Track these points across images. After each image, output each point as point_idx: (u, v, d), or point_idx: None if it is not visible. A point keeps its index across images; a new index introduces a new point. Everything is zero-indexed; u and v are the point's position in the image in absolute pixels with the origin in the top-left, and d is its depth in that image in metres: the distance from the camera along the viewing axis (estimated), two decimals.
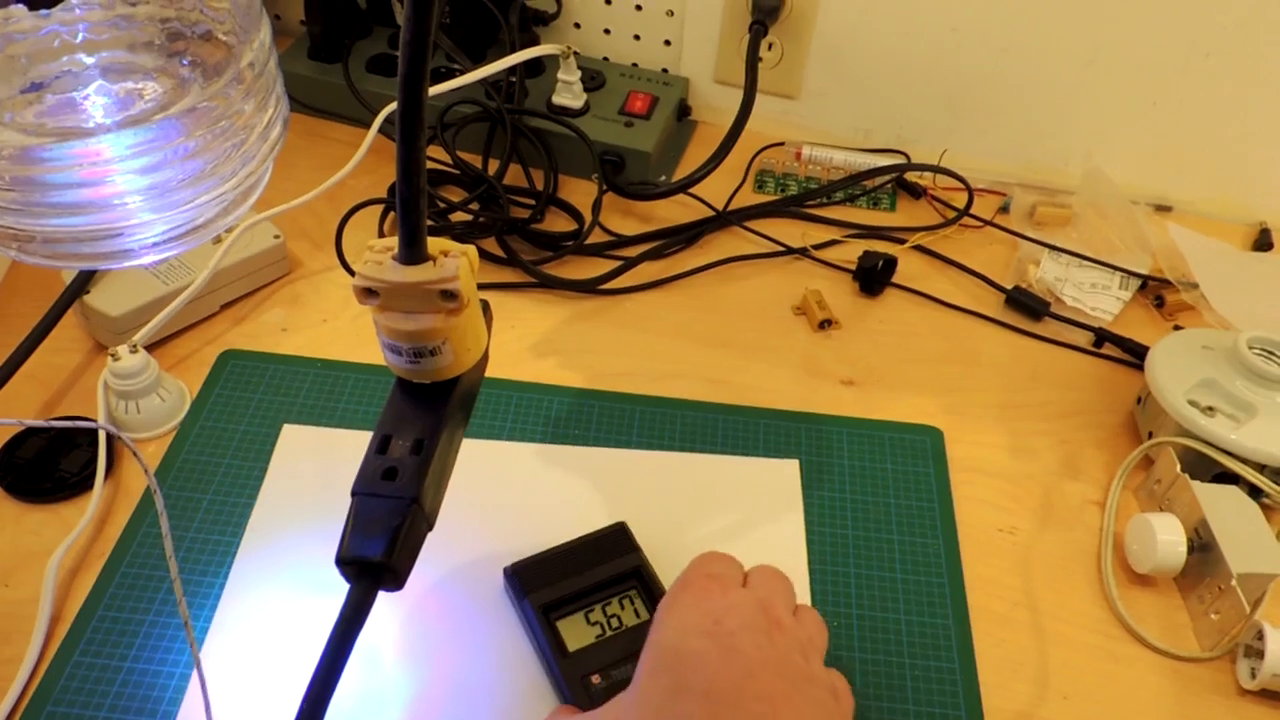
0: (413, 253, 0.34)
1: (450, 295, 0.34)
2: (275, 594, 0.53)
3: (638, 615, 0.51)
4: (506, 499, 0.58)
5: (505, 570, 0.52)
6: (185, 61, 0.38)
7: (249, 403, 0.62)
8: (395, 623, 0.52)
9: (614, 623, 0.50)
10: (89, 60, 0.37)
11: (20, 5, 0.29)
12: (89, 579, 0.53)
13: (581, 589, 0.51)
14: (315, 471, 0.59)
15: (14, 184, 0.32)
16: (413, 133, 0.31)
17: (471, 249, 0.36)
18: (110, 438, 0.58)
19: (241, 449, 0.60)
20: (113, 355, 0.58)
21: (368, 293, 0.35)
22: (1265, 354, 0.61)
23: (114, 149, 0.34)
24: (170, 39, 0.39)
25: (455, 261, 0.35)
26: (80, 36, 0.35)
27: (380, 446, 0.36)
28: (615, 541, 0.53)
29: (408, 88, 0.31)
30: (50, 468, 0.58)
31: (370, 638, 0.48)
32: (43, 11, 0.35)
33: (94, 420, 0.59)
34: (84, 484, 0.57)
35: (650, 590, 0.52)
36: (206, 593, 0.53)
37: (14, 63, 0.35)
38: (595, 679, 0.48)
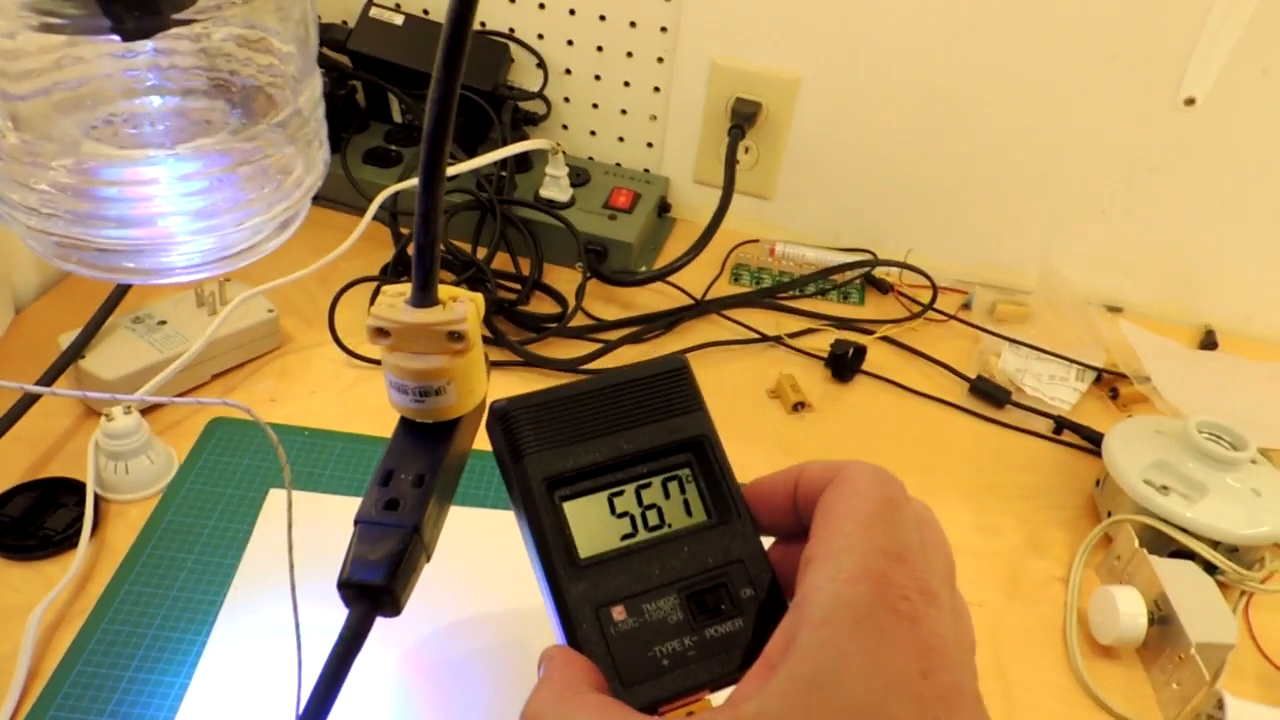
0: (425, 296, 0.36)
1: (458, 336, 0.37)
2: (258, 652, 0.53)
3: (688, 514, 0.34)
4: (490, 564, 0.59)
5: (492, 410, 0.35)
6: (239, 104, 0.41)
7: (236, 467, 0.63)
8: (376, 689, 0.52)
9: (651, 519, 0.33)
10: (154, 99, 0.40)
11: (110, 38, 0.33)
12: (68, 636, 0.53)
13: (609, 458, 0.34)
14: (300, 534, 0.59)
15: (80, 196, 0.34)
16: (432, 184, 0.34)
17: (479, 296, 0.38)
18: (97, 497, 0.59)
19: (227, 512, 0.61)
20: (106, 415, 0.59)
21: (380, 332, 0.37)
22: (1214, 437, 0.64)
23: (168, 172, 0.37)
24: (227, 85, 0.42)
25: (464, 306, 0.37)
26: (150, 76, 0.39)
27: (383, 480, 0.38)
28: (668, 391, 0.35)
29: (432, 142, 0.33)
30: (35, 526, 0.58)
31: (350, 705, 0.48)
32: (121, 53, 0.38)
33: (82, 481, 0.60)
34: (68, 542, 0.57)
35: (713, 478, 0.34)
36: (188, 650, 0.53)
37: (84, 98, 0.38)
38: (618, 613, 0.31)
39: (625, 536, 0.33)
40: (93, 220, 0.35)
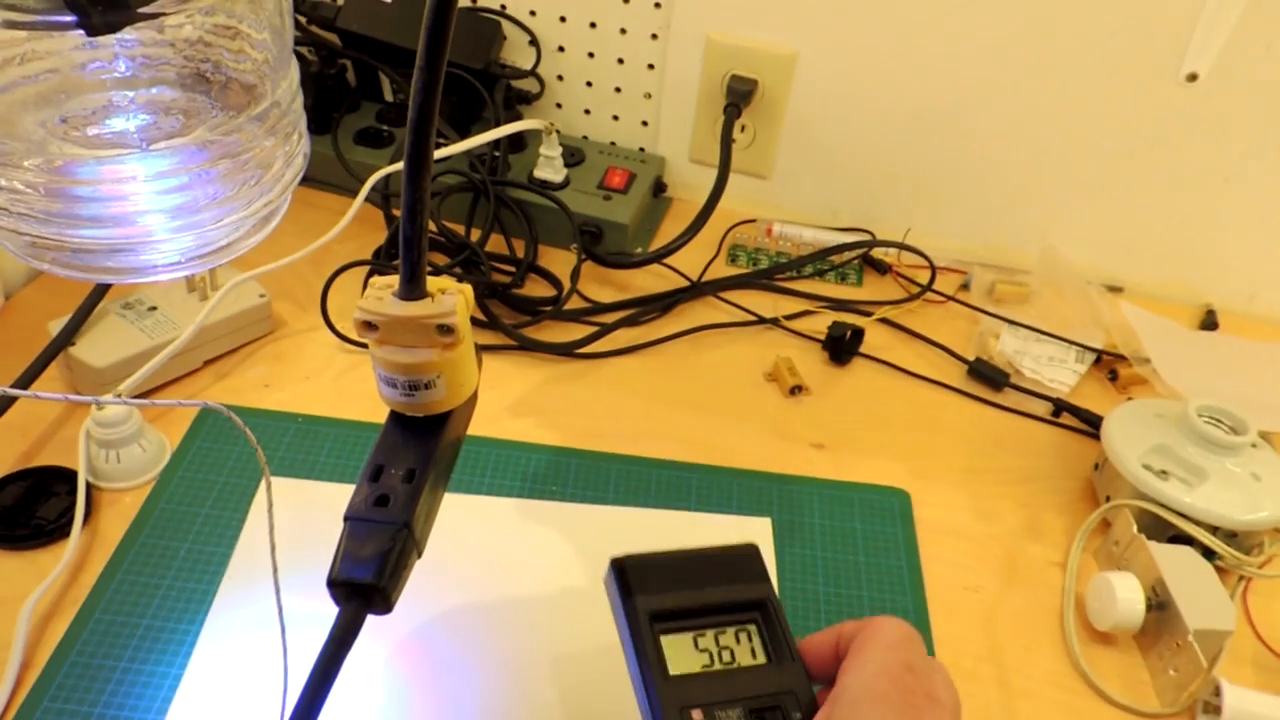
0: (412, 289, 0.36)
1: (447, 330, 0.36)
2: (252, 641, 0.53)
3: (753, 656, 0.43)
4: (484, 551, 0.59)
5: (612, 562, 0.44)
6: (215, 97, 0.40)
7: (229, 455, 0.63)
8: (369, 675, 0.52)
9: (725, 656, 0.43)
10: (127, 93, 0.39)
11: (76, 32, 0.31)
12: (62, 626, 0.53)
13: (696, 606, 0.44)
14: (294, 523, 0.59)
15: (52, 195, 0.33)
16: (418, 175, 0.33)
17: (468, 288, 0.38)
18: (89, 485, 0.58)
19: (220, 500, 0.60)
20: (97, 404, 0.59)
21: (368, 326, 0.37)
22: (1214, 421, 0.64)
23: (144, 170, 0.36)
24: (202, 77, 0.41)
25: (453, 299, 0.36)
26: (121, 68, 0.38)
27: (373, 475, 0.37)
28: (743, 564, 0.46)
29: (416, 132, 0.33)
30: (27, 515, 0.58)
31: (343, 692, 0.48)
32: (88, 44, 0.37)
33: (74, 469, 0.59)
34: (60, 531, 0.57)
35: (773, 631, 0.44)
36: (182, 640, 0.53)
37: (53, 93, 0.37)
38: (696, 715, 0.40)
39: (704, 666, 0.42)
40: (67, 220, 0.34)
